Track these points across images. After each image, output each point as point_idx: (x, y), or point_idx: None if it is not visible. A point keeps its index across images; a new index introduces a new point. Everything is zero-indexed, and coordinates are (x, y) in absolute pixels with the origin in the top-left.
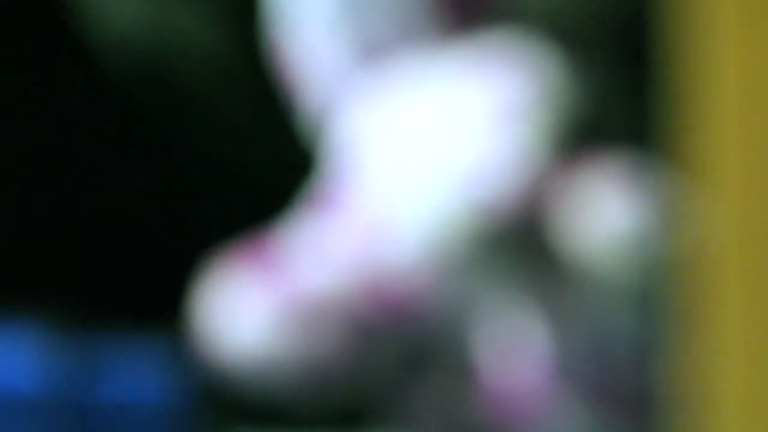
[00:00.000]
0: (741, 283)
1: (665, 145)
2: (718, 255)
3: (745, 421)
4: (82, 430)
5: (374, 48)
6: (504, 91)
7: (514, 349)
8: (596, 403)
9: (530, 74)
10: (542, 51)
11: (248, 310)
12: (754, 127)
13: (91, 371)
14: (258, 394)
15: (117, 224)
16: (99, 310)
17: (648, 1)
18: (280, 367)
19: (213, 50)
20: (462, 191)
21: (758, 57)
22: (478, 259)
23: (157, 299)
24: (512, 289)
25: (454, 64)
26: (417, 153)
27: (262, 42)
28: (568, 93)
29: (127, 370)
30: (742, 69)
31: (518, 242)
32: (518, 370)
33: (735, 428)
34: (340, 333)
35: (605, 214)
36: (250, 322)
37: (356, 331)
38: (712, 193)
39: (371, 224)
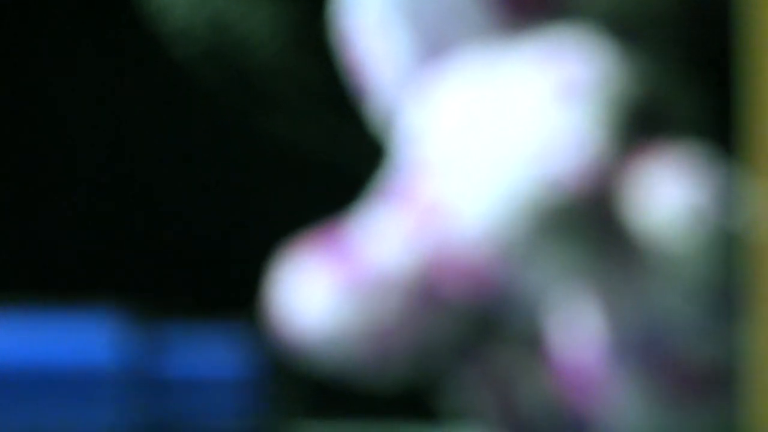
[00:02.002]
0: None
1: (729, 136)
2: None
3: None
4: (155, 403)
5: (435, 43)
6: (564, 71)
7: (580, 325)
8: (658, 383)
9: (590, 58)
10: (601, 42)
11: (315, 285)
12: None
13: (165, 347)
14: (326, 369)
15: (189, 212)
16: (174, 297)
17: None
18: (347, 342)
19: (276, 36)
20: (527, 168)
21: None
22: (544, 234)
23: (232, 288)
24: (578, 266)
25: (513, 53)
26: (481, 135)
27: (328, 29)
28: (629, 80)
29: (199, 346)
30: None
31: (584, 220)
32: (583, 345)
33: None
34: (407, 307)
35: (669, 199)
36: (317, 297)
37: (423, 306)
38: None
39: (438, 203)
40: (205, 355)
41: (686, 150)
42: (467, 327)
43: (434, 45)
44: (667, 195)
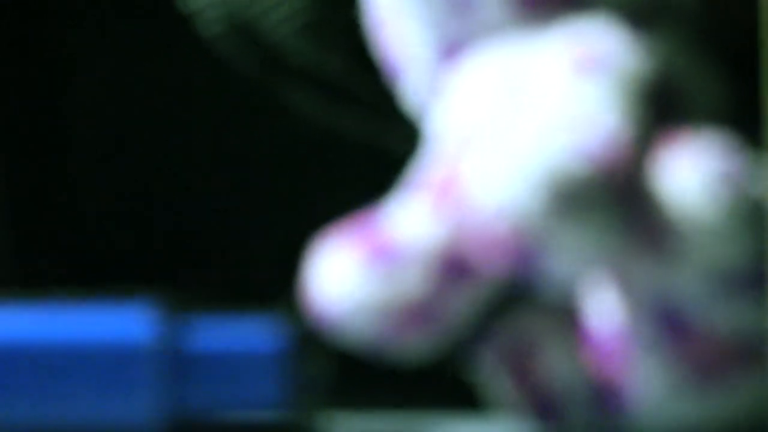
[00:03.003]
0: None
1: (754, 124)
2: None
3: None
4: (188, 376)
5: (453, 38)
6: (584, 47)
7: (611, 298)
8: (680, 359)
9: (610, 38)
10: (620, 29)
11: (338, 260)
12: None
13: (197, 323)
14: (351, 343)
15: (221, 199)
16: (208, 286)
17: None
18: (370, 315)
19: (301, 12)
20: (549, 140)
21: None
22: (567, 205)
23: (268, 276)
24: (601, 238)
25: (532, 39)
26: (502, 111)
27: (358, 7)
28: (648, 62)
29: (230, 321)
30: None
31: (608, 191)
32: (614, 318)
33: None
34: (432, 279)
35: (694, 172)
36: (340, 271)
37: (449, 277)
38: None
39: (461, 176)
40: (239, 331)
41: (710, 135)
42: (494, 298)
43: (453, 40)
44: (693, 167)
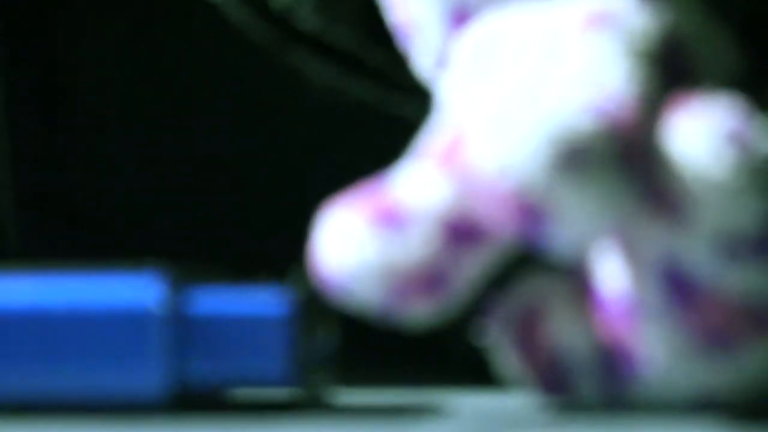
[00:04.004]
0: None
1: (764, 83)
2: None
3: None
4: (195, 343)
5: (460, 8)
6: (592, 3)
7: (618, 260)
8: (688, 323)
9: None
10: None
11: (342, 222)
12: None
13: (204, 291)
14: (359, 306)
15: (242, 172)
16: (218, 258)
17: None
18: (379, 278)
19: None
20: (560, 97)
21: None
22: (575, 163)
23: (279, 246)
24: (613, 199)
25: (539, 4)
26: (508, 72)
27: None
28: (659, 21)
29: (238, 290)
30: None
31: (618, 150)
32: (621, 280)
33: None
34: (440, 240)
35: (706, 129)
36: (343, 233)
37: (457, 238)
38: None
39: (468, 136)
40: (246, 298)
41: (720, 97)
42: (501, 262)
43: (463, 6)
44: (701, 127)
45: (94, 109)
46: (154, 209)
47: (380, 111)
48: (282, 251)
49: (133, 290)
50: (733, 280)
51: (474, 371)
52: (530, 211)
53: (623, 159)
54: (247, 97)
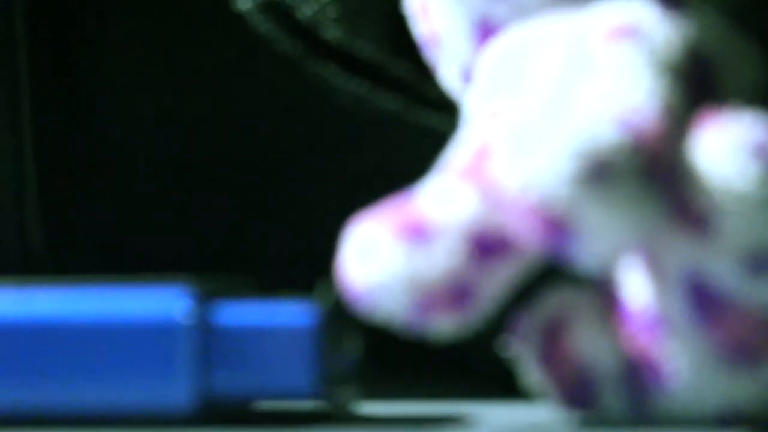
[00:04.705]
0: None
1: None
2: None
3: None
4: (220, 351)
5: (483, 23)
6: (616, 17)
7: (650, 277)
8: (710, 338)
9: (641, 9)
10: (654, 3)
11: (372, 237)
12: None
13: (229, 302)
14: (385, 318)
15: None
16: (243, 272)
17: None
18: (404, 290)
19: None
20: (586, 109)
21: None
22: (599, 175)
23: (306, 261)
24: (638, 212)
25: (561, 19)
26: (532, 84)
27: None
28: (682, 35)
29: (264, 304)
30: None
31: (642, 162)
32: (651, 298)
33: None
34: (467, 253)
35: (728, 155)
36: (368, 245)
37: (484, 250)
38: None
39: (495, 149)
40: (272, 311)
41: (744, 110)
42: (527, 275)
43: (487, 20)
44: (725, 140)
45: (119, 124)
46: (181, 223)
47: (409, 123)
48: (310, 265)
49: (160, 303)
50: (759, 294)
51: (500, 383)
52: (554, 225)
53: (648, 172)
54: (275, 109)
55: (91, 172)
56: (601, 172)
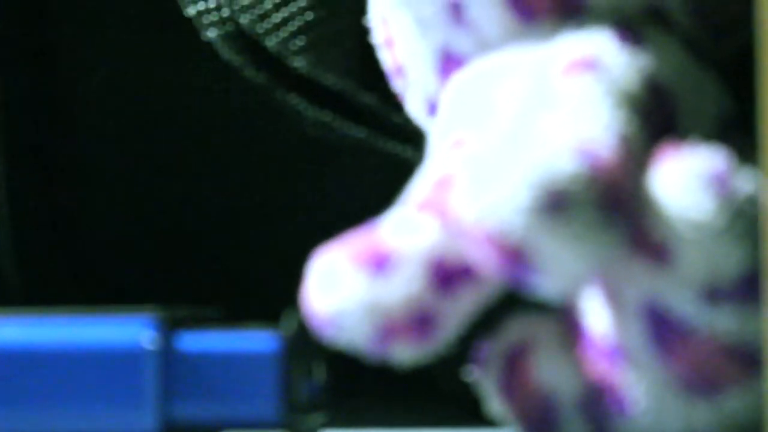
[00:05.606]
0: None
1: (750, 136)
2: None
3: None
4: (185, 376)
5: (446, 53)
6: (575, 50)
7: (608, 305)
8: (671, 367)
9: (600, 45)
10: (611, 38)
11: (334, 265)
12: None
13: (194, 330)
14: (348, 345)
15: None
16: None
17: None
18: (365, 318)
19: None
20: (543, 140)
21: None
22: (555, 205)
23: (271, 289)
24: (595, 243)
25: (524, 50)
26: (492, 116)
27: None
28: (641, 69)
29: (230, 333)
30: None
31: (599, 193)
32: (610, 325)
33: None
34: (427, 281)
35: (686, 186)
36: (328, 272)
37: (444, 279)
38: None
39: (454, 178)
40: (236, 338)
41: (704, 140)
42: (487, 303)
43: (450, 53)
44: (683, 171)
45: (91, 153)
46: (148, 253)
47: (375, 152)
48: (276, 294)
49: (126, 331)
50: (717, 322)
51: (466, 409)
52: (511, 255)
53: (605, 202)
54: (242, 136)
55: (64, 202)
56: (557, 202)
